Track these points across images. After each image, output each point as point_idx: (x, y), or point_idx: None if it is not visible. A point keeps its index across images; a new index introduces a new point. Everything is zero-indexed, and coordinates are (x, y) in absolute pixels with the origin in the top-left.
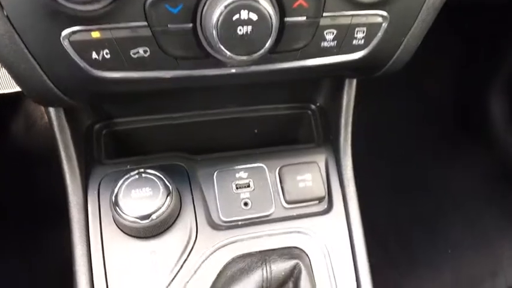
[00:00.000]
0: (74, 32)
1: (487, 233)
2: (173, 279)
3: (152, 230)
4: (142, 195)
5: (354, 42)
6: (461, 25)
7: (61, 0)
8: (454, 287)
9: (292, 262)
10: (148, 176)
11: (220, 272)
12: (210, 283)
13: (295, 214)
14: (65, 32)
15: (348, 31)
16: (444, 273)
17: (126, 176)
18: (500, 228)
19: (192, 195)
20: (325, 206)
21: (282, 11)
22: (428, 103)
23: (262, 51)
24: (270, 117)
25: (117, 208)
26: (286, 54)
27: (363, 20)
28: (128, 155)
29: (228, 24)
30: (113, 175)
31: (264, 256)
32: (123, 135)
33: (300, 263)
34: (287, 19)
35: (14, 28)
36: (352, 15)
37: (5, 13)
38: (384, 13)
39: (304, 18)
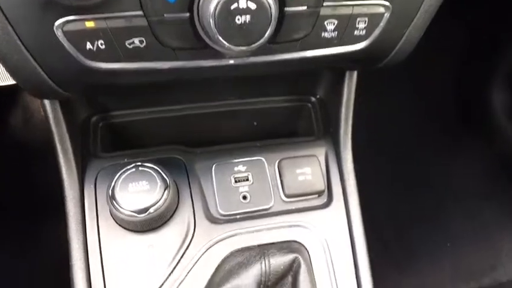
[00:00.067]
0: (67, 22)
1: (487, 227)
2: (171, 273)
3: (150, 223)
4: (139, 189)
5: (355, 32)
6: (464, 17)
7: None
8: (454, 281)
9: (291, 256)
10: (145, 169)
11: (219, 266)
12: (208, 277)
13: (294, 208)
14: (58, 22)
15: (349, 21)
16: (444, 267)
17: (123, 170)
18: (500, 222)
19: (190, 188)
20: (325, 200)
21: (281, 0)
22: (429, 97)
23: (261, 41)
24: (269, 110)
25: (114, 202)
26: (285, 44)
27: (365, 10)
28: (125, 148)
29: (226, 13)
30: (110, 168)
31: (263, 250)
32: (120, 128)
33: (299, 257)
34: (287, 8)
35: (6, 19)
36: (354, 5)
37: None
38: (386, 3)
39: (304, 7)
